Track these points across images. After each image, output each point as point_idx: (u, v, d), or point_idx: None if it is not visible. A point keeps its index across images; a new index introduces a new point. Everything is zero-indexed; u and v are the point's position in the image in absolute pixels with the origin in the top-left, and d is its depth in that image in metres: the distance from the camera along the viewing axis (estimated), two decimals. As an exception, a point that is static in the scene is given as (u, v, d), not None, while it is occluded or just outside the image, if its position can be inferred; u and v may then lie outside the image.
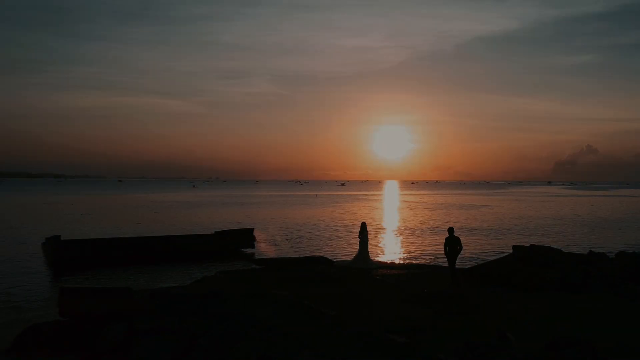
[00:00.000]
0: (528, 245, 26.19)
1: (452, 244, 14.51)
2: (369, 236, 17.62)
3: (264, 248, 26.72)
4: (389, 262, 19.86)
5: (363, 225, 17.20)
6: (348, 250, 24.99)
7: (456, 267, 14.64)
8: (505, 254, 23.71)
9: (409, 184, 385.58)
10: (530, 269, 13.20)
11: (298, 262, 15.93)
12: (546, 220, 45.84)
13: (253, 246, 26.30)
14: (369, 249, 17.41)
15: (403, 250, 25.47)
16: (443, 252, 14.40)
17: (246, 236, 26.48)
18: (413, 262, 20.96)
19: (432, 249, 26.18)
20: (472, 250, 25.58)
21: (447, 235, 14.76)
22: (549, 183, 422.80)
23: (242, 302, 11.22)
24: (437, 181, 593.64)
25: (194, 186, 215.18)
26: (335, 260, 17.85)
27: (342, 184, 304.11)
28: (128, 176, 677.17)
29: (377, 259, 20.15)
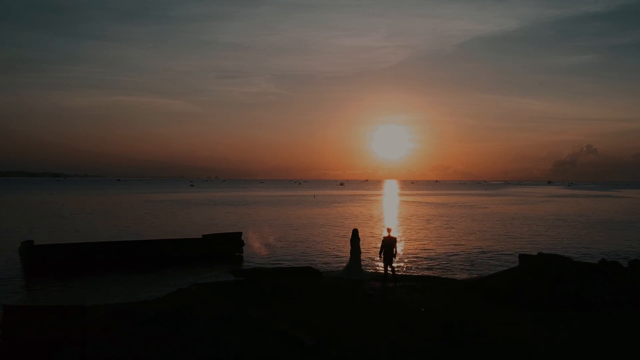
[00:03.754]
0: (535, 253, 24.69)
1: (389, 245, 14.25)
2: (361, 244, 16.04)
3: (253, 253, 25.20)
4: (382, 272, 18.13)
5: (354, 232, 15.67)
6: (341, 256, 23.45)
7: (394, 266, 14.63)
8: (510, 262, 22.21)
9: (409, 183, 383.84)
10: (540, 284, 11.70)
11: (282, 273, 14.44)
12: (550, 223, 44.34)
13: (241, 251, 24.88)
14: (362, 258, 15.84)
15: (399, 259, 23.60)
16: (379, 252, 14.39)
17: (234, 240, 25.04)
18: (409, 272, 19.26)
19: (430, 257, 24.52)
20: (475, 258, 23.92)
21: (387, 235, 14.54)
22: (549, 183, 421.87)
23: (211, 323, 9.75)
24: (436, 181, 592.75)
25: (191, 185, 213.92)
26: (324, 271, 16.31)
27: (341, 184, 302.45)
28: (127, 176, 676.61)
29: (369, 269, 18.27)
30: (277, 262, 22.72)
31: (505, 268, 20.07)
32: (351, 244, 15.49)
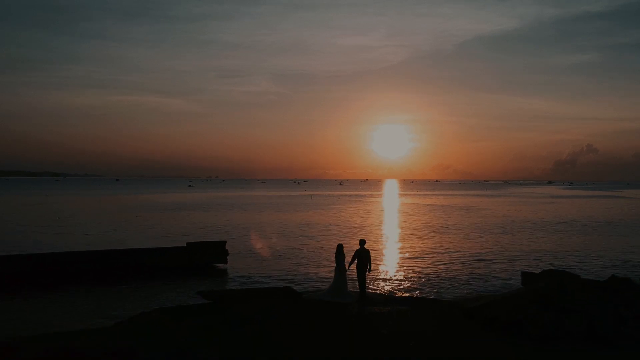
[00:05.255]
0: (538, 264, 23.20)
1: (362, 257, 13.53)
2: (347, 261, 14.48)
3: (237, 264, 23.71)
4: (369, 291, 16.19)
5: (339, 247, 14.18)
6: (328, 270, 21.86)
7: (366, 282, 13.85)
8: (512, 277, 20.41)
9: (409, 183, 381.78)
10: (547, 315, 10.23)
11: (256, 296, 12.94)
12: (553, 228, 42.85)
13: (225, 261, 23.40)
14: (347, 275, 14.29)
15: (388, 276, 21.14)
16: (349, 265, 13.64)
17: (218, 250, 23.53)
18: (399, 293, 17.54)
19: (425, 270, 22.51)
20: (474, 272, 22.03)
21: (358, 247, 13.83)
22: (549, 182, 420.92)
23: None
24: (436, 180, 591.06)
25: (189, 185, 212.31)
26: (305, 290, 14.70)
27: (341, 184, 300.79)
28: (128, 175, 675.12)
29: (356, 288, 15.95)
30: (262, 275, 21.32)
31: (507, 285, 18.53)
32: (336, 261, 14.01)
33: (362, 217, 54.00)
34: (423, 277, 20.73)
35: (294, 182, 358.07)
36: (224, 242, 24.00)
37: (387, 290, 17.70)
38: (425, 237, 34.94)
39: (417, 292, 17.67)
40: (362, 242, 14.09)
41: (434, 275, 21.11)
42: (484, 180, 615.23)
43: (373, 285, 18.48)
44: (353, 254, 13.86)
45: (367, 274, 14.01)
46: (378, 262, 23.93)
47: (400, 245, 31.27)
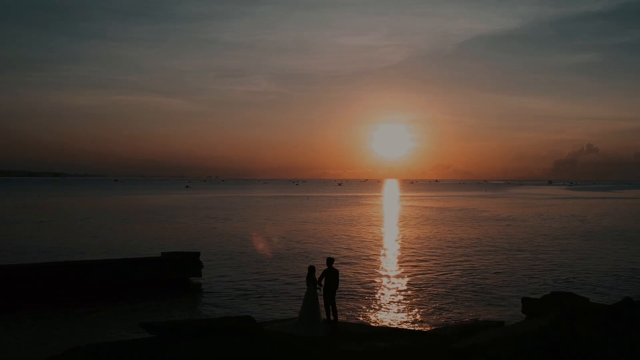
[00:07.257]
0: (540, 284, 21.23)
1: (331, 278, 12.21)
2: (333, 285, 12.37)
3: (212, 278, 21.75)
4: (345, 320, 13.82)
5: (311, 270, 12.15)
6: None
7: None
8: (511, 296, 18.09)
9: (409, 183, 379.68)
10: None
11: (207, 328, 10.96)
12: (556, 233, 40.85)
13: (200, 274, 21.42)
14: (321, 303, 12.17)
15: (370, 300, 18.35)
16: (317, 285, 12.21)
17: (191, 262, 21.54)
18: (379, 322, 15.34)
19: (409, 295, 19.21)
20: (468, 290, 19.63)
21: (326, 267, 12.30)
22: (550, 182, 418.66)
23: None
24: (436, 180, 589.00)
25: (187, 186, 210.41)
26: (266, 322, 12.55)
27: (339, 184, 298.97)
28: (127, 175, 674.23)
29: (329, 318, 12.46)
30: (236, 291, 19.43)
31: (505, 311, 16.27)
32: (307, 286, 11.99)
33: (351, 224, 49.98)
34: (409, 300, 18.20)
35: (293, 182, 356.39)
36: (198, 254, 22.01)
37: (365, 319, 15.42)
38: (416, 250, 31.51)
39: (400, 321, 15.31)
40: (330, 260, 12.26)
41: (421, 297, 18.55)
42: (484, 180, 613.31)
43: (353, 312, 16.37)
44: (320, 274, 12.03)
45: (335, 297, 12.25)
46: (358, 283, 21.09)
47: (386, 260, 27.60)
